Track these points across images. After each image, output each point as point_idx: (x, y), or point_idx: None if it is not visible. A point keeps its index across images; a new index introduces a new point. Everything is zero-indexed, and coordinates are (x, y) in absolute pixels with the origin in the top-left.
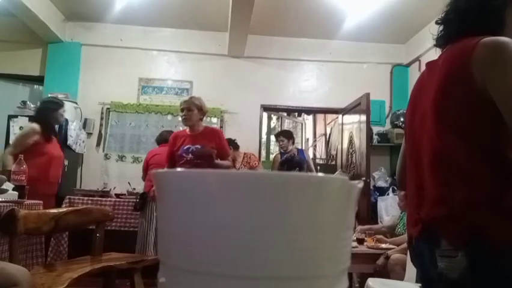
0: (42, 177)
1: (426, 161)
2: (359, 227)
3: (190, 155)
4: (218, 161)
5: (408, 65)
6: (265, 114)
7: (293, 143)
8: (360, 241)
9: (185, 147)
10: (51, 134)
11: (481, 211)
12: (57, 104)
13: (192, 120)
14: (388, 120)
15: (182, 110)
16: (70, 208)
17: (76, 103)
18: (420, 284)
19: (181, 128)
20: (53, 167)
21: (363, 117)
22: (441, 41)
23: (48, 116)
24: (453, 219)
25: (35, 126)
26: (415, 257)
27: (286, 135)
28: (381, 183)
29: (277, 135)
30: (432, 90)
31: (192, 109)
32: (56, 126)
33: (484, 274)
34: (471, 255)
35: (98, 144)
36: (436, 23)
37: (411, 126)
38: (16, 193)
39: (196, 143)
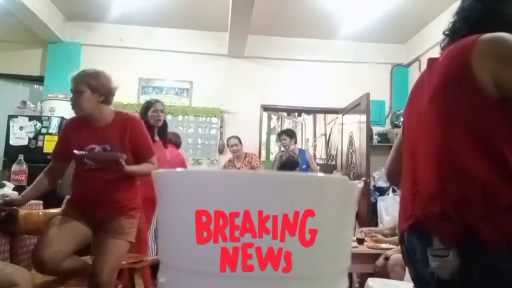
0: (144, 182)
1: (423, 156)
2: (361, 229)
3: (95, 162)
4: (133, 168)
5: (408, 65)
6: (265, 114)
7: (295, 142)
8: (360, 241)
9: (86, 148)
10: (152, 136)
11: (475, 209)
12: (145, 104)
13: (81, 107)
14: (388, 120)
15: (71, 93)
16: None
17: None
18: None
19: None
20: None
21: (363, 117)
22: (445, 48)
23: (144, 118)
24: (446, 217)
25: None
26: (407, 255)
27: (288, 134)
28: (381, 183)
29: (279, 134)
30: (431, 87)
31: (82, 90)
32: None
33: (476, 274)
34: (463, 254)
35: None
36: (444, 34)
37: (408, 121)
38: (16, 193)
39: (101, 141)
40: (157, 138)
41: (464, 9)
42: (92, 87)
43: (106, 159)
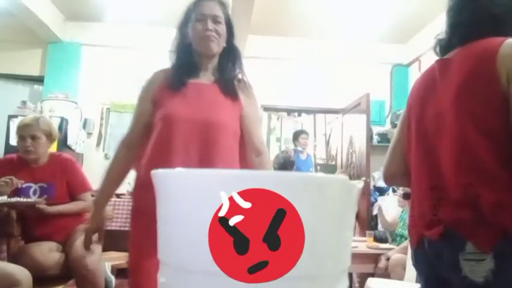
0: (155, 157)
1: (446, 160)
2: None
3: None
4: (58, 208)
5: (408, 65)
6: (265, 114)
7: None
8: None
9: (23, 186)
10: (182, 76)
11: (510, 214)
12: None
13: (38, 153)
14: (388, 120)
15: (22, 138)
16: None
17: (76, 103)
18: (420, 285)
19: None
20: (179, 137)
21: (363, 117)
22: (451, 47)
23: (181, 39)
24: (481, 222)
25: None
26: (426, 259)
27: (307, 133)
28: (381, 183)
29: (299, 133)
30: (451, 89)
31: (39, 136)
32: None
33: (511, 276)
34: (499, 257)
35: (98, 144)
36: (445, 33)
37: (420, 124)
38: None
39: (38, 180)
40: (205, 78)
41: (464, 6)
42: (46, 133)
43: (23, 207)
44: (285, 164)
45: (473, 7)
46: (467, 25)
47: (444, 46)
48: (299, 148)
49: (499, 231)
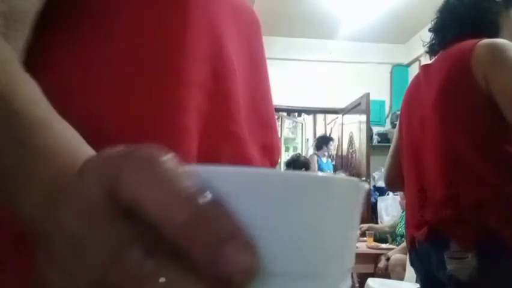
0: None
1: (430, 162)
2: (360, 226)
3: None
4: None
5: (408, 65)
6: None
7: None
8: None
9: None
10: None
11: (491, 212)
12: None
13: None
14: (388, 120)
15: None
16: None
17: None
18: (419, 285)
19: None
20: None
21: (363, 117)
22: (435, 48)
23: None
24: (463, 220)
25: None
26: (419, 259)
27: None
28: (381, 183)
29: (329, 139)
30: (432, 93)
31: None
32: None
33: (495, 274)
34: (482, 256)
35: None
36: (429, 30)
37: (408, 128)
38: None
39: None
40: None
41: (452, 5)
42: None
43: None
44: (305, 163)
45: (447, 12)
46: (444, 29)
47: (430, 52)
48: (325, 153)
49: (480, 230)
